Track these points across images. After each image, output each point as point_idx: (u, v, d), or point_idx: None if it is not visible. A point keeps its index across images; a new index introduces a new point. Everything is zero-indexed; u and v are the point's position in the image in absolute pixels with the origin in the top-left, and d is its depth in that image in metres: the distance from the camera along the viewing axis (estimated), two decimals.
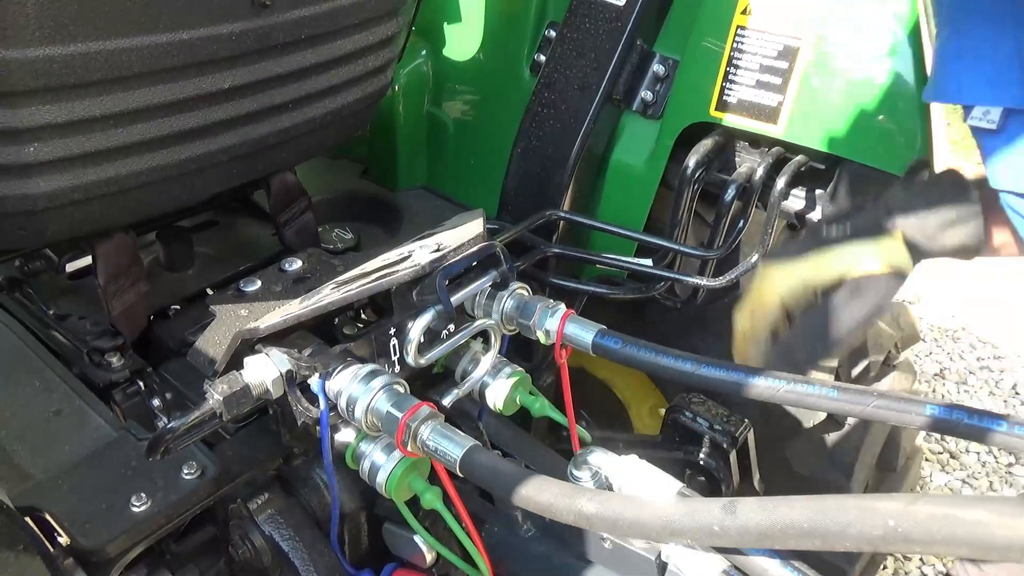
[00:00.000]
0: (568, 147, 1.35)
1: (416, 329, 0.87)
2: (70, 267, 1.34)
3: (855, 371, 1.70)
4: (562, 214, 1.33)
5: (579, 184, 1.40)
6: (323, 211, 1.72)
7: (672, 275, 1.28)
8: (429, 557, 1.06)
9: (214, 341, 1.04)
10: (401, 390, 0.89)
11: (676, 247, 1.27)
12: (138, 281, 1.23)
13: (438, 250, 0.91)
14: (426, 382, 1.15)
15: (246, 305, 1.15)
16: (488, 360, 1.00)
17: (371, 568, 1.12)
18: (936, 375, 3.49)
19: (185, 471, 1.01)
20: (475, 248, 0.92)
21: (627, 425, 1.86)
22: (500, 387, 1.06)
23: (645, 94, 1.35)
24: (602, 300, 1.44)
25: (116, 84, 0.92)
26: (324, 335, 0.99)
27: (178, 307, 1.41)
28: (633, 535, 0.66)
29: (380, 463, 0.95)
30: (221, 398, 0.88)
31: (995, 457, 3.14)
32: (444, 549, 1.02)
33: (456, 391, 0.97)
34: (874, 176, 1.14)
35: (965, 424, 0.74)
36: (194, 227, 1.53)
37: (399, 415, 0.84)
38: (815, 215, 1.27)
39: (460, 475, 0.81)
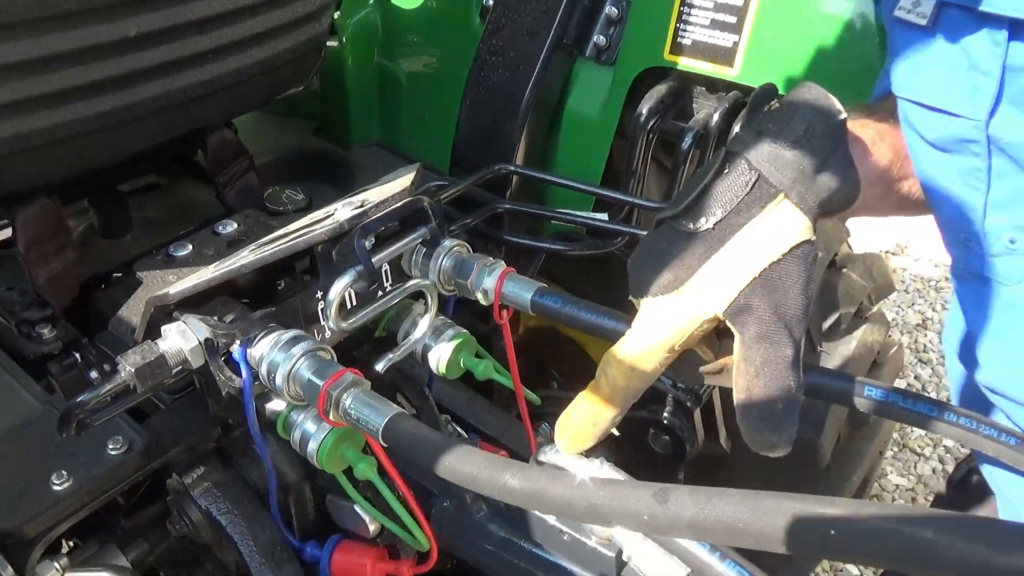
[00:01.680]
0: (518, 96, 1.29)
1: (334, 291, 0.82)
2: None
3: (826, 324, 1.66)
4: (512, 168, 1.27)
5: (532, 136, 1.34)
6: (273, 171, 1.65)
7: (628, 229, 1.23)
8: (372, 528, 1.02)
9: (136, 309, 0.99)
10: (326, 356, 0.84)
11: (631, 200, 1.22)
12: (64, 248, 1.17)
13: (361, 207, 0.85)
14: (374, 347, 1.10)
15: (175, 270, 1.09)
16: (425, 323, 0.95)
17: (316, 540, 1.09)
18: (918, 325, 3.47)
19: (110, 446, 0.97)
20: (399, 204, 0.86)
21: None
22: (442, 350, 1.01)
23: (598, 39, 1.28)
24: (564, 257, 1.38)
25: (16, 30, 0.85)
26: (264, 301, 0.94)
27: (120, 275, 1.35)
28: (559, 514, 0.61)
29: (311, 432, 0.91)
30: (133, 369, 0.83)
31: None
32: (386, 520, 0.98)
33: (390, 355, 0.92)
34: None
35: (899, 408, 0.70)
36: (131, 191, 1.46)
37: (320, 383, 0.79)
38: None
39: (383, 444, 0.76)
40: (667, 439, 1.43)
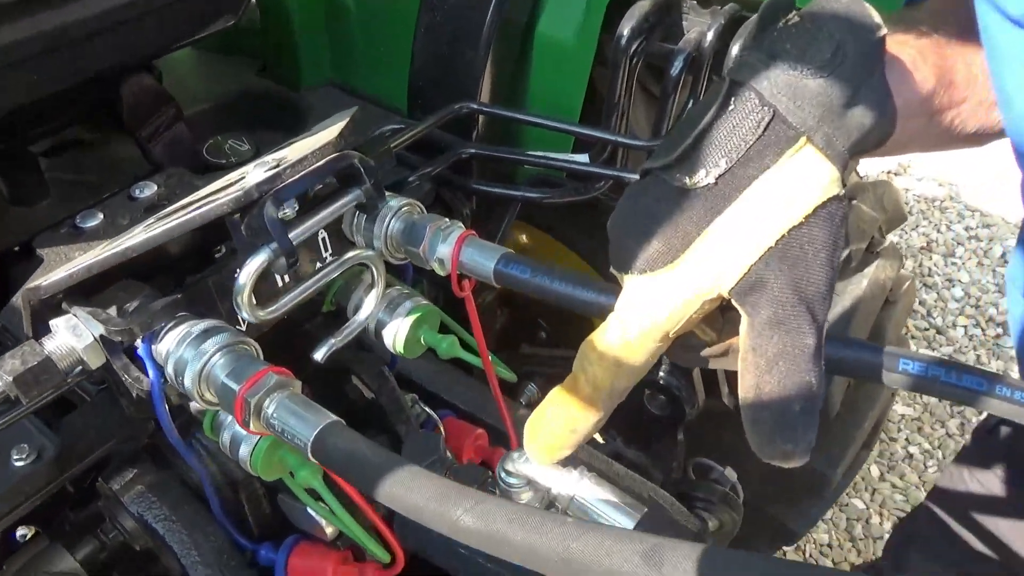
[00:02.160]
0: (479, 19, 1.10)
1: (244, 275, 0.66)
2: None
3: None
4: (476, 106, 1.10)
5: (498, 66, 1.16)
6: (214, 118, 1.47)
7: (612, 172, 1.07)
8: (329, 531, 0.90)
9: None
10: (248, 351, 0.69)
11: (614, 138, 1.05)
12: None
13: (276, 167, 0.68)
14: (322, 324, 0.95)
15: (83, 245, 0.93)
16: (371, 301, 0.80)
17: (275, 540, 0.97)
18: (922, 248, 3.34)
19: (15, 456, 0.83)
20: (320, 162, 0.69)
21: None
22: (399, 326, 0.86)
23: None
24: (541, 205, 1.23)
25: None
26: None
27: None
28: (523, 564, 0.48)
29: (243, 435, 0.77)
30: (11, 378, 0.68)
31: (982, 330, 3.03)
32: (345, 523, 0.85)
33: (332, 341, 0.77)
34: None
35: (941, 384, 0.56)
36: (48, 150, 1.28)
37: (236, 387, 0.64)
38: None
39: (313, 461, 0.62)
40: (664, 399, 1.31)
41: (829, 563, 2.24)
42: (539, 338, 1.60)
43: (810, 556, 2.26)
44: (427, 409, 1.02)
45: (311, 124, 1.44)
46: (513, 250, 0.76)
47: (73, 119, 1.27)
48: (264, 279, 0.70)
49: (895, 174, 3.64)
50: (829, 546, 2.32)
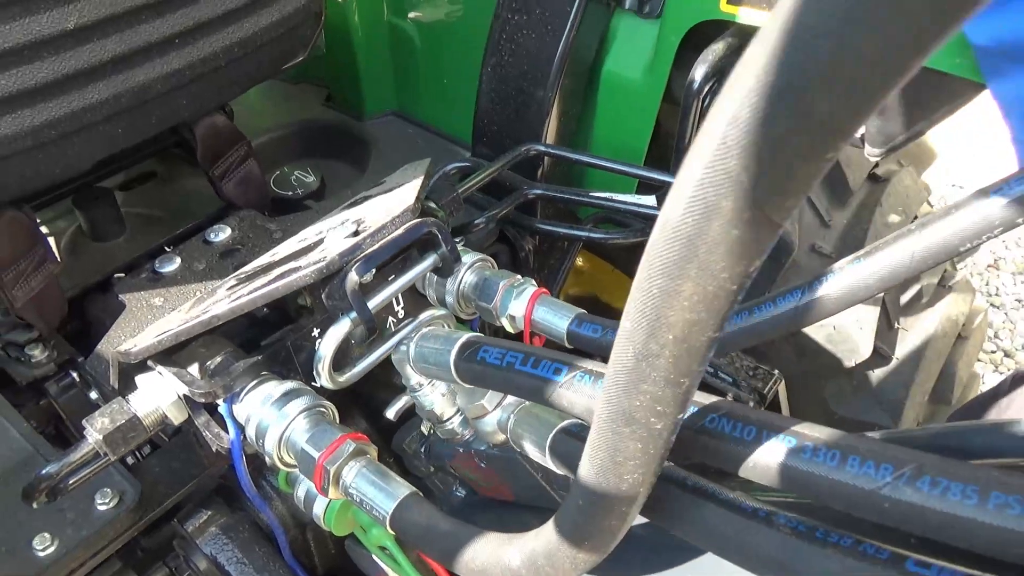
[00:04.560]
0: (547, 61, 1.10)
1: (327, 345, 0.67)
2: None
3: (904, 297, 1.47)
4: (543, 148, 1.09)
5: (565, 105, 1.15)
6: (281, 148, 1.50)
7: None
8: None
9: (117, 343, 0.86)
10: (325, 415, 0.70)
11: None
12: (44, 263, 1.04)
13: (356, 233, 0.69)
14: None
15: (162, 291, 0.95)
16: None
17: None
18: (990, 267, 3.22)
19: (99, 500, 0.86)
20: (400, 230, 0.70)
21: None
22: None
23: None
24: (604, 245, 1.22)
25: None
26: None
27: (122, 275, 1.22)
28: None
29: (316, 492, 0.78)
30: (101, 436, 0.70)
31: None
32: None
33: (404, 398, 0.78)
34: (944, 83, 0.88)
35: None
36: (121, 185, 1.32)
37: (315, 454, 0.65)
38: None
39: (391, 533, 0.63)
40: None
41: None
42: None
43: None
44: None
45: (375, 155, 1.46)
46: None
47: (148, 156, 1.31)
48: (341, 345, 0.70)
49: (960, 187, 3.52)
50: None
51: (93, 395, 1.12)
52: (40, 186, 0.96)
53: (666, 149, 1.17)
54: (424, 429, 0.93)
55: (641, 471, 0.47)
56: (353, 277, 0.65)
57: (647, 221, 1.15)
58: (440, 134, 1.46)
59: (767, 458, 0.48)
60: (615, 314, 1.60)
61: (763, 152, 0.30)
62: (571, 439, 0.61)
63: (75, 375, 1.13)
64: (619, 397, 0.44)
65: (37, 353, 1.09)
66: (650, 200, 1.09)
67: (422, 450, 0.97)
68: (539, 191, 1.11)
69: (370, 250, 0.67)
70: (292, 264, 0.69)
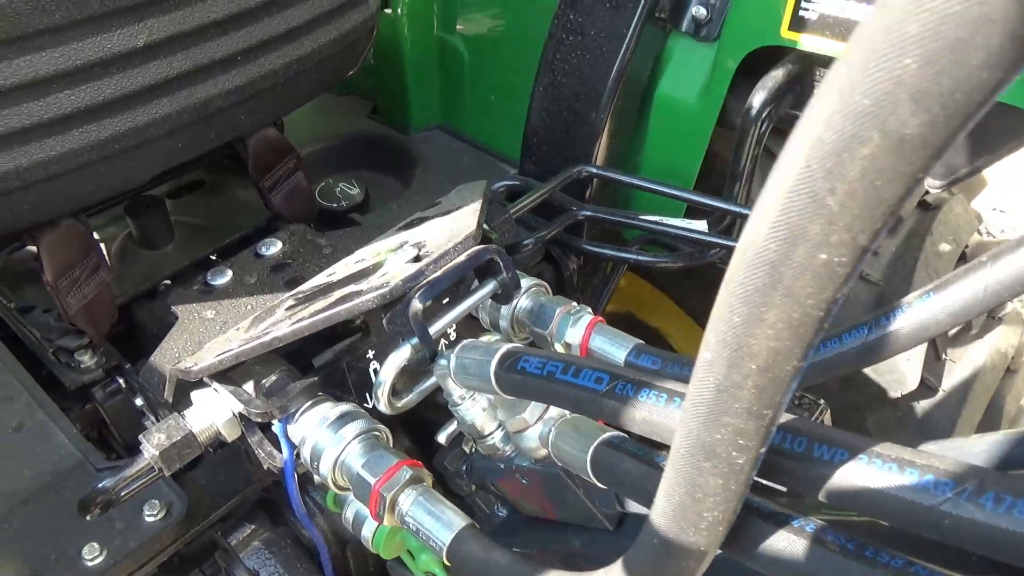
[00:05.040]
0: (601, 82, 1.09)
1: (387, 371, 0.67)
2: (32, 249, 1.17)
3: (953, 329, 1.44)
4: (594, 170, 1.09)
5: (616, 125, 1.14)
6: (325, 160, 1.51)
7: (727, 242, 1.04)
8: None
9: (171, 356, 0.86)
10: (381, 439, 0.70)
11: (736, 209, 1.02)
12: (97, 270, 1.05)
13: (418, 258, 0.69)
14: None
15: (214, 304, 0.96)
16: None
17: None
18: None
19: (147, 512, 0.86)
20: (462, 257, 0.69)
21: None
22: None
23: (696, 10, 1.07)
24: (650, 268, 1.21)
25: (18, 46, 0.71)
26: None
27: (168, 281, 1.23)
28: None
29: (366, 514, 0.78)
30: (157, 452, 0.70)
31: None
32: None
33: (455, 423, 0.77)
34: (1013, 117, 0.86)
35: None
36: (170, 193, 1.34)
37: (371, 480, 0.65)
38: None
39: (447, 564, 0.62)
40: None
41: None
42: None
43: None
44: None
45: (420, 169, 1.46)
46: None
47: (199, 166, 1.32)
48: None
49: (1001, 211, 3.46)
50: None
51: (138, 401, 1.13)
52: (101, 198, 0.97)
53: (716, 174, 1.16)
54: (466, 448, 0.93)
55: (721, 508, 0.45)
56: (416, 305, 0.65)
57: (695, 245, 1.13)
58: (485, 149, 1.46)
59: (820, 472, 0.47)
60: (652, 332, 1.58)
61: (850, 174, 0.29)
62: (613, 451, 0.60)
63: (121, 381, 1.14)
64: (699, 431, 0.43)
65: (86, 359, 1.10)
66: (701, 225, 1.07)
67: (464, 469, 0.96)
68: (588, 212, 1.10)
69: (432, 276, 0.67)
70: (352, 287, 0.69)
